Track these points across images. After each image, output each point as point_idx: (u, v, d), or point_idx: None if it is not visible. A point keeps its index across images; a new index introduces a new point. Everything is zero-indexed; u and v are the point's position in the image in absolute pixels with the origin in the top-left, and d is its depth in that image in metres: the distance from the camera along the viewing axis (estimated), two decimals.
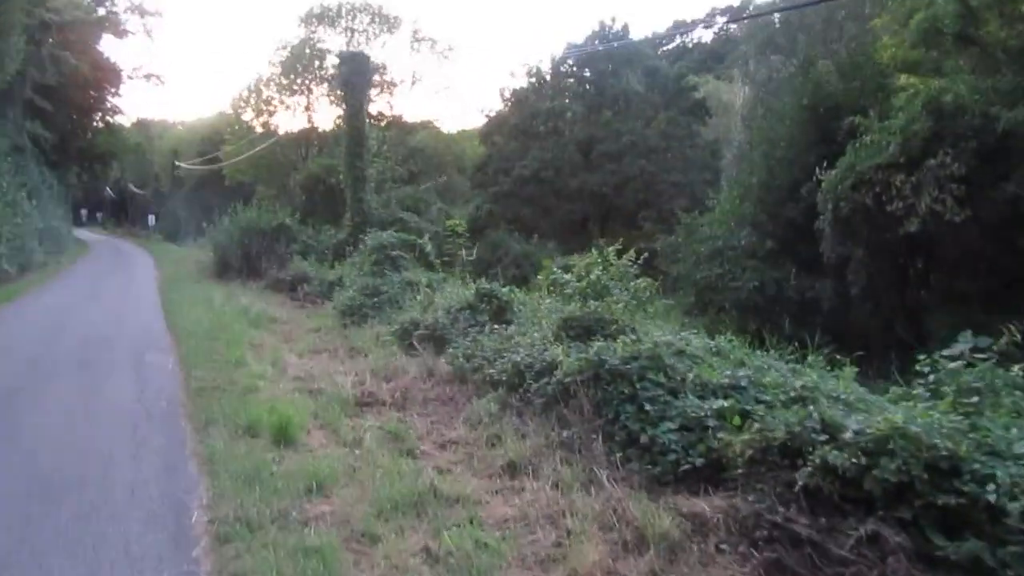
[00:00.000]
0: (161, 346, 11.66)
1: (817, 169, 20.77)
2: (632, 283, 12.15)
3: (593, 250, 13.95)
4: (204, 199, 67.02)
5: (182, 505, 5.41)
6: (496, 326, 9.65)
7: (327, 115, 67.86)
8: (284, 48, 53.74)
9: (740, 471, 5.12)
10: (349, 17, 54.46)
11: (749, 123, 30.68)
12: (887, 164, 19.12)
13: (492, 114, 46.56)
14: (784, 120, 23.35)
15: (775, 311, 22.60)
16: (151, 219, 68.12)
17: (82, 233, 60.28)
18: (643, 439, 5.94)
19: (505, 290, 10.71)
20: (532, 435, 6.73)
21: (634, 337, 7.39)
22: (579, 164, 41.39)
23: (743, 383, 6.26)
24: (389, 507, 5.28)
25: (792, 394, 6.02)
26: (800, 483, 4.55)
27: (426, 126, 55.52)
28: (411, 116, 53.83)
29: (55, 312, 15.91)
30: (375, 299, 13.30)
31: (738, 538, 4.66)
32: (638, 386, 6.45)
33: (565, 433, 6.59)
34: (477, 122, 54.14)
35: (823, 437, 4.64)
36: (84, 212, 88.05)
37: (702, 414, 5.81)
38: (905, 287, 20.86)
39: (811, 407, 5.07)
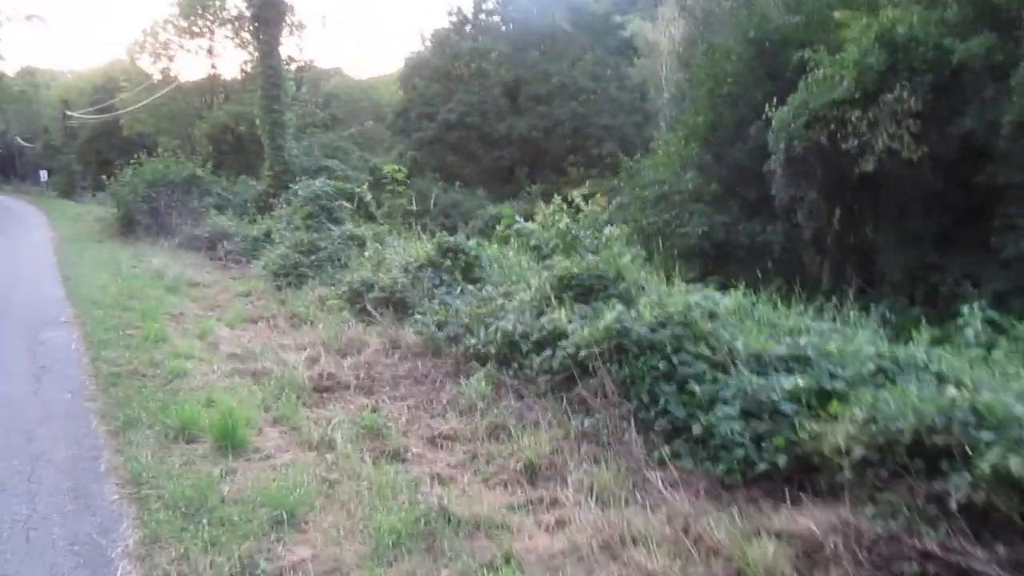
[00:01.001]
0: (61, 320, 9.84)
1: (766, 107, 19.92)
2: (605, 231, 10.96)
3: (556, 196, 12.67)
4: (101, 152, 62.77)
5: (99, 556, 3.94)
6: (469, 287, 8.30)
7: (232, 60, 63.92)
8: None
9: (846, 476, 3.99)
10: None
11: (687, 61, 29.66)
12: (842, 100, 18.36)
13: (412, 56, 44.30)
14: (729, 56, 22.35)
15: (724, 256, 21.96)
16: (42, 174, 63.07)
17: None
18: (695, 428, 4.75)
19: (472, 244, 9.30)
20: (544, 424, 5.47)
21: (655, 297, 6.17)
22: (506, 108, 39.77)
23: (808, 353, 5.11)
24: (389, 542, 3.94)
25: (871, 366, 4.93)
26: (955, 498, 3.43)
27: (339, 72, 52.75)
28: (323, 61, 51.19)
29: None
30: (313, 256, 11.67)
31: (871, 572, 3.51)
32: (675, 360, 5.25)
33: (587, 421, 5.36)
34: (392, 68, 51.75)
35: (987, 435, 3.50)
36: None
37: (771, 396, 4.64)
38: (857, 228, 20.38)
39: (957, 390, 3.91)
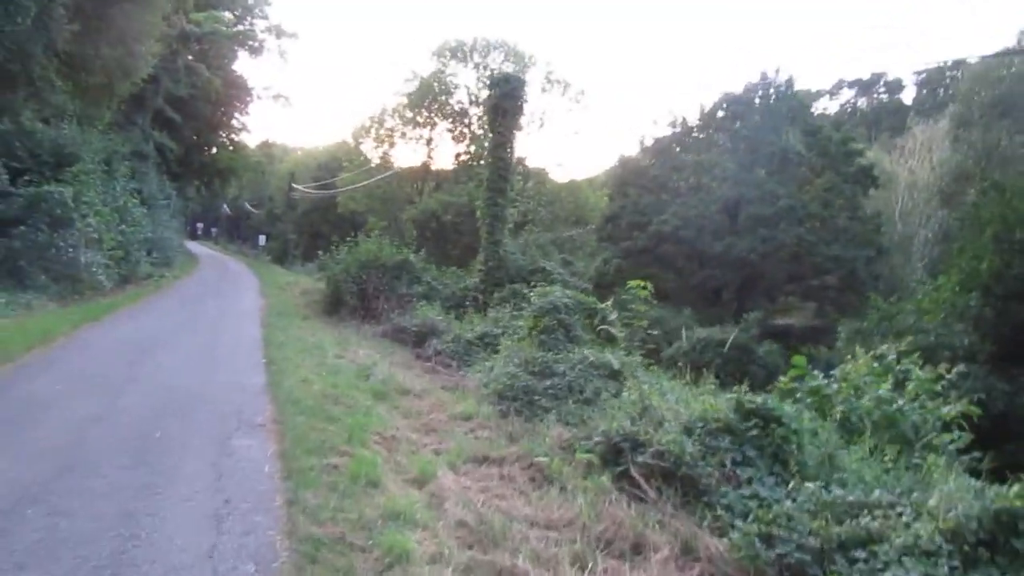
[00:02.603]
0: (257, 422, 8.29)
1: None
2: (943, 410, 8.17)
3: (858, 348, 10.04)
4: (315, 225, 66.59)
5: None
6: (807, 485, 5.79)
7: (446, 151, 66.25)
8: (413, 79, 52.25)
9: None
10: (482, 53, 52.87)
11: (952, 196, 26.07)
12: None
13: (626, 160, 43.00)
14: None
15: (1001, 432, 17.92)
16: (262, 239, 67.58)
17: (195, 247, 60.17)
18: None
19: (790, 410, 6.80)
20: None
21: None
22: (725, 227, 37.19)
23: None
24: None
25: None
26: None
27: (543, 173, 52.57)
28: (534, 161, 51.38)
29: (140, 344, 12.94)
30: (548, 382, 9.60)
31: None
32: None
33: None
34: (593, 171, 50.96)
35: None
36: (201, 226, 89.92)
37: None
38: None
39: None
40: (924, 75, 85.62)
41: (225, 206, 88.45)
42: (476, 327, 15.37)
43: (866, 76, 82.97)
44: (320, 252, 25.58)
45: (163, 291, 23.65)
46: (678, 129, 40.80)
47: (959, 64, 61.73)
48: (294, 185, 63.49)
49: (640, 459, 6.75)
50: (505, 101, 21.34)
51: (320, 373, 11.26)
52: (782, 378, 9.17)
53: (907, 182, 43.91)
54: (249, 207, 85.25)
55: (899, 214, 43.54)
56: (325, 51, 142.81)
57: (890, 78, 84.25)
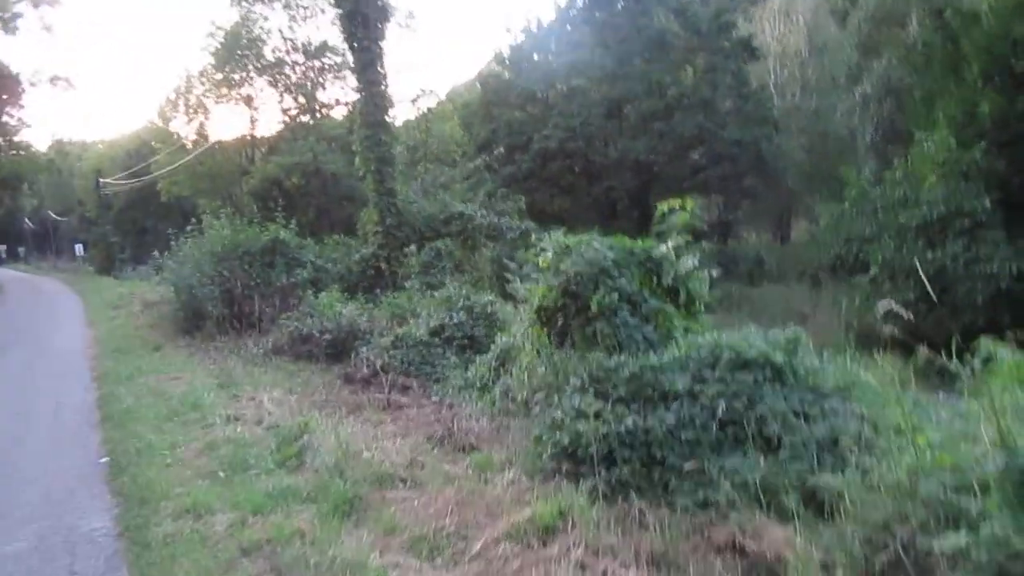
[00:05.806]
0: None
1: None
2: None
3: None
4: (137, 221, 58.56)
5: None
6: None
7: (274, 111, 58.84)
8: (215, 34, 44.68)
9: None
10: None
11: (876, 46, 23.07)
12: None
13: (486, 80, 38.26)
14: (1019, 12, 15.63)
15: None
16: (79, 249, 58.59)
17: None
18: None
19: None
20: None
21: None
22: (615, 129, 33.33)
23: None
24: None
25: None
26: None
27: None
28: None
29: None
30: (670, 419, 4.98)
31: None
32: None
33: None
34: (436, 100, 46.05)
35: None
36: (3, 248, 78.59)
37: None
38: None
39: None
40: None
41: (27, 220, 77.16)
42: (421, 316, 10.55)
43: None
44: (155, 252, 19.46)
45: None
46: (535, 31, 36.34)
47: None
48: (102, 180, 54.72)
49: None
50: (362, 5, 15.98)
51: (215, 472, 6.24)
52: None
53: (776, 52, 41.63)
54: (55, 217, 74.57)
55: (775, 86, 41.31)
56: (110, 22, 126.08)
57: None
